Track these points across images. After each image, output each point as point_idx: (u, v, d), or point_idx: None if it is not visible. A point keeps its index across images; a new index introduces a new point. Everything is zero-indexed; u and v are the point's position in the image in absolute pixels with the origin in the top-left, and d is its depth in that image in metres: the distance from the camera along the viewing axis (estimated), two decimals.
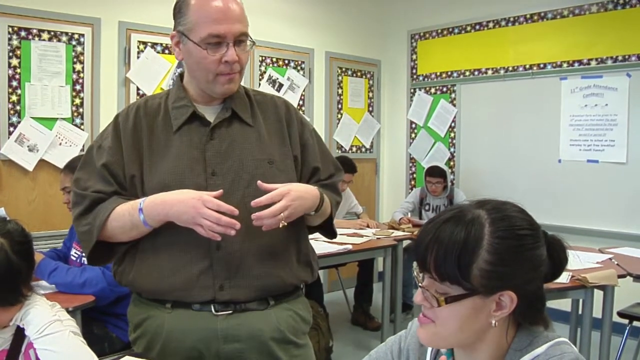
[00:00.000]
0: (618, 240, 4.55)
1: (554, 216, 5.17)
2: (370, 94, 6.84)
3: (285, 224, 1.64)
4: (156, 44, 4.91)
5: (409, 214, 5.47)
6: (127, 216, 1.64)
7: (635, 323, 3.97)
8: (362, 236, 4.53)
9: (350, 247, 4.07)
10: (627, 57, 4.98)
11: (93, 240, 1.67)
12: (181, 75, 1.83)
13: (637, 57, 4.92)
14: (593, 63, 5.17)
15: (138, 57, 4.81)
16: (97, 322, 2.95)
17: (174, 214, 1.60)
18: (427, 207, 5.57)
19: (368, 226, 5.00)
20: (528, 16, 5.59)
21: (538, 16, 5.52)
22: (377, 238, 4.52)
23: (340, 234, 4.46)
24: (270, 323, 1.75)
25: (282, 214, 1.61)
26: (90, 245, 1.68)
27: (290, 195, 1.64)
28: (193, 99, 1.76)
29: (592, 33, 5.17)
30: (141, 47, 4.83)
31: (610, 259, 3.67)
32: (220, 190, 1.62)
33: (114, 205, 1.66)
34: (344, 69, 6.52)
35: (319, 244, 3.82)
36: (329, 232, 1.99)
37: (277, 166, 1.78)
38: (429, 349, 1.29)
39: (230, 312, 1.71)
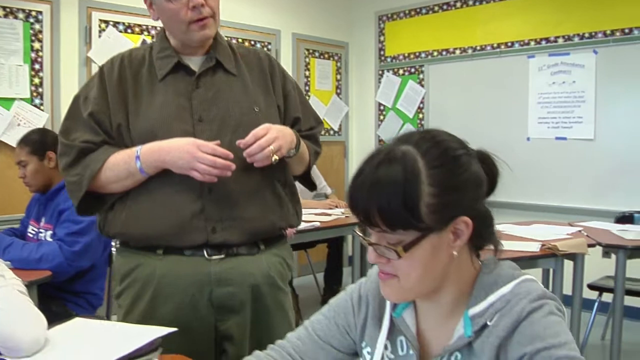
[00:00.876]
0: (587, 216, 4.53)
1: (524, 194, 5.16)
2: (338, 76, 6.76)
3: (277, 157, 1.67)
4: (118, 22, 4.77)
5: None
6: (122, 165, 1.66)
7: (604, 297, 3.97)
8: (330, 215, 4.45)
9: (318, 224, 3.99)
10: (593, 34, 4.98)
11: (82, 190, 1.69)
12: (164, 30, 1.85)
13: (604, 34, 4.92)
14: (560, 41, 5.17)
15: (99, 36, 4.68)
16: (56, 300, 2.86)
17: (170, 160, 1.63)
18: None
19: (337, 207, 4.92)
20: None
21: None
22: (346, 217, 4.44)
23: (309, 213, 4.43)
24: (261, 268, 1.79)
25: (271, 147, 1.64)
26: (79, 195, 1.71)
27: (273, 129, 1.68)
28: (177, 50, 1.78)
29: (559, 11, 5.16)
30: (102, 25, 4.70)
31: (579, 231, 3.65)
32: (218, 141, 1.64)
33: (106, 155, 1.68)
34: (311, 51, 6.43)
35: None
36: (309, 182, 2.04)
37: (263, 113, 1.80)
38: None
39: (222, 256, 1.73)
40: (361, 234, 1.10)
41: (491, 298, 1.07)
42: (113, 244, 2.81)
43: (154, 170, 1.67)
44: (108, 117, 1.72)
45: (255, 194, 1.76)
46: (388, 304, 1.21)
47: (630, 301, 3.51)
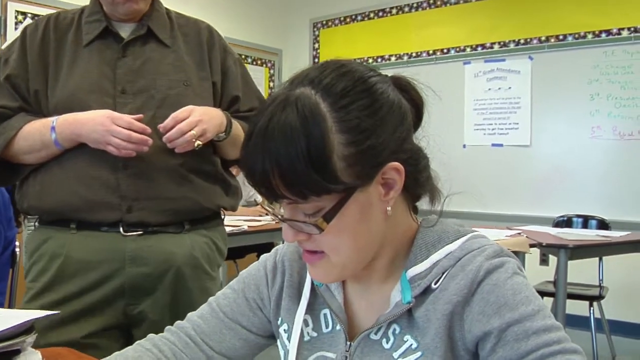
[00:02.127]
0: (525, 223, 4.44)
1: (460, 202, 4.97)
2: (271, 84, 6.55)
3: (200, 143, 1.54)
4: (37, 15, 4.45)
5: None
6: (37, 135, 1.56)
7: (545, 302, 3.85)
8: (260, 221, 4.19)
9: (245, 227, 3.72)
10: (529, 40, 4.97)
11: None
12: None
13: (539, 40, 4.91)
14: (496, 47, 5.14)
15: (16, 29, 4.39)
16: None
17: (85, 134, 1.51)
18: None
19: (267, 214, 4.67)
20: (431, 1, 5.51)
21: (441, 1, 5.45)
22: (276, 222, 4.19)
23: (237, 219, 4.17)
24: (183, 247, 1.64)
25: (192, 131, 1.51)
26: None
27: (196, 111, 1.54)
28: (108, 15, 1.66)
29: (495, 17, 5.14)
30: (20, 17, 4.46)
31: (519, 233, 3.52)
32: (141, 115, 1.52)
33: (21, 124, 1.57)
34: (243, 57, 6.19)
35: None
36: None
37: (194, 89, 1.67)
38: None
39: (140, 232, 1.59)
40: (270, 210, 0.85)
41: (435, 256, 0.86)
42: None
43: (70, 144, 1.54)
44: (26, 82, 1.61)
45: (178, 172, 1.62)
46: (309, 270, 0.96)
47: (568, 309, 3.39)
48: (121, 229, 1.58)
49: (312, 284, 0.96)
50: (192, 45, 1.74)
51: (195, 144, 1.53)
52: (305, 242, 0.83)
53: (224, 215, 1.82)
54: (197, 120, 1.52)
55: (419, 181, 0.88)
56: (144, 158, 1.55)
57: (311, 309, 0.96)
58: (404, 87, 0.88)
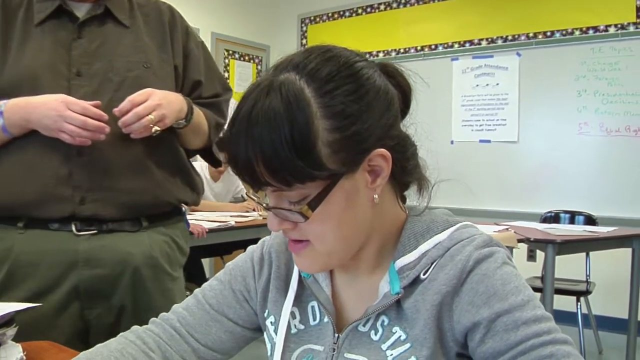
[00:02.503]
0: (512, 219, 4.44)
1: (448, 198, 4.96)
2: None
3: (158, 129, 1.44)
4: None
5: None
6: None
7: None
8: (247, 217, 4.17)
9: (233, 223, 3.70)
10: (516, 36, 4.96)
11: None
12: None
13: (527, 37, 4.92)
14: (484, 43, 5.13)
15: None
16: None
17: (35, 119, 1.39)
18: None
19: (254, 210, 4.64)
20: None
21: None
22: (264, 218, 4.17)
23: (224, 215, 4.14)
24: (141, 246, 1.53)
25: (150, 116, 1.41)
26: None
27: (155, 95, 1.44)
28: None
29: (483, 13, 5.13)
30: None
31: (506, 229, 3.52)
32: (98, 102, 1.41)
33: None
34: (231, 52, 6.16)
35: (201, 223, 3.52)
36: (211, 157, 1.79)
37: (154, 71, 1.56)
38: None
39: (94, 231, 1.48)
40: (255, 198, 0.85)
41: (424, 246, 0.84)
42: None
43: (20, 131, 1.42)
44: None
45: (137, 162, 1.51)
46: None
47: (555, 304, 3.40)
48: (73, 228, 1.47)
49: (300, 275, 0.94)
50: (153, 26, 1.64)
51: (153, 130, 1.44)
52: (291, 231, 0.82)
53: (186, 210, 1.72)
54: (155, 104, 1.42)
55: (406, 169, 0.86)
56: (100, 146, 1.44)
57: (298, 301, 0.94)
58: (391, 73, 0.86)
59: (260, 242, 1.03)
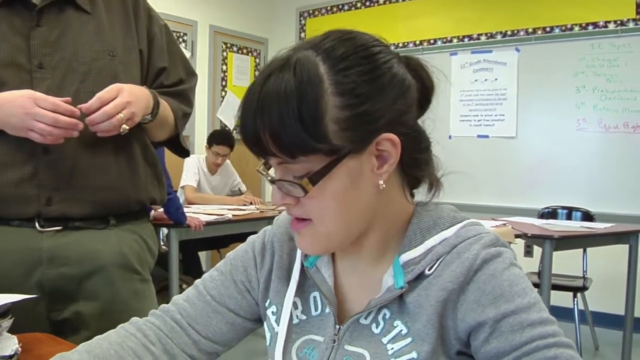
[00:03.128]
0: (509, 214, 4.44)
1: (446, 193, 4.98)
2: (257, 73, 6.42)
3: (127, 128, 1.36)
4: None
5: None
6: None
7: None
8: (244, 210, 4.17)
9: (230, 216, 3.69)
10: (515, 31, 4.95)
11: None
12: None
13: (526, 32, 4.90)
14: (483, 38, 5.11)
15: None
16: None
17: (2, 118, 1.30)
18: None
19: (251, 203, 4.64)
20: None
21: None
22: (261, 212, 4.17)
23: (221, 208, 4.14)
24: (110, 244, 1.46)
25: (120, 115, 1.33)
26: None
27: (124, 92, 1.35)
28: None
29: (482, 8, 5.12)
30: None
31: (504, 224, 3.52)
32: (68, 98, 1.32)
33: None
34: (229, 45, 6.13)
35: (198, 216, 3.51)
36: (178, 147, 1.69)
37: (120, 59, 1.48)
38: None
39: (59, 227, 1.40)
40: (264, 173, 0.85)
41: (430, 242, 0.84)
42: None
43: None
44: None
45: (106, 158, 1.44)
46: (299, 251, 0.94)
47: (552, 300, 3.40)
48: (37, 224, 1.39)
49: (302, 265, 0.93)
50: (115, 9, 1.53)
51: (121, 129, 1.35)
52: (293, 207, 0.82)
53: (152, 210, 1.63)
54: (125, 102, 1.34)
55: (417, 162, 0.85)
56: (67, 143, 1.36)
57: (301, 292, 0.93)
58: (413, 66, 0.85)
59: (261, 231, 1.03)
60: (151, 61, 1.58)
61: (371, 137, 0.78)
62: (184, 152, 1.72)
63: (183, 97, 1.63)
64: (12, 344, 1.05)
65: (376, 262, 0.88)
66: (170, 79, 1.61)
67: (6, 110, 1.28)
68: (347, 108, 0.76)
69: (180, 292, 1.68)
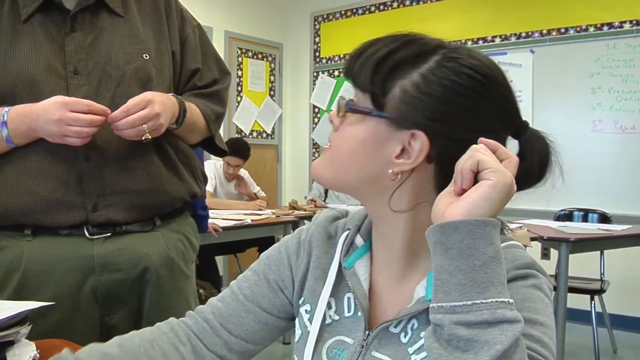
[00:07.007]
0: (525, 217, 4.42)
1: None
2: (272, 78, 6.52)
3: (150, 137, 1.35)
4: None
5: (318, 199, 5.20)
6: None
7: None
8: (260, 215, 4.18)
9: (249, 221, 3.72)
10: (530, 33, 4.93)
11: None
12: None
13: (540, 34, 4.88)
14: (497, 40, 5.10)
15: None
16: None
17: (40, 128, 1.30)
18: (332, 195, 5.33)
19: (267, 208, 4.66)
20: None
21: None
22: (277, 217, 4.18)
23: (237, 213, 4.16)
24: (158, 247, 1.49)
25: (144, 126, 1.33)
26: None
27: (156, 103, 1.35)
28: None
29: (496, 10, 5.10)
30: None
31: (520, 227, 3.51)
32: (106, 109, 1.33)
33: None
34: (244, 50, 6.17)
35: (216, 221, 3.52)
36: (214, 149, 1.71)
37: (153, 62, 1.48)
38: (341, 239, 0.96)
39: (108, 234, 1.42)
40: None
41: None
42: None
43: (26, 140, 1.34)
44: None
45: (145, 161, 1.45)
46: (338, 252, 0.95)
47: (569, 302, 3.38)
48: (86, 232, 1.40)
49: (340, 266, 0.95)
50: (147, 11, 1.53)
51: (144, 138, 1.35)
52: (332, 134, 0.90)
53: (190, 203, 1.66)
54: (154, 114, 1.33)
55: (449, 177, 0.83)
56: (106, 150, 1.38)
57: (335, 292, 0.94)
58: (530, 136, 0.90)
59: (296, 231, 1.04)
60: (184, 63, 1.58)
61: (411, 125, 0.81)
62: (221, 152, 1.74)
63: (217, 97, 1.64)
64: (30, 350, 1.05)
65: (410, 270, 0.89)
66: (203, 80, 1.61)
67: (44, 118, 1.28)
68: (419, 90, 0.80)
69: (197, 298, 1.71)
